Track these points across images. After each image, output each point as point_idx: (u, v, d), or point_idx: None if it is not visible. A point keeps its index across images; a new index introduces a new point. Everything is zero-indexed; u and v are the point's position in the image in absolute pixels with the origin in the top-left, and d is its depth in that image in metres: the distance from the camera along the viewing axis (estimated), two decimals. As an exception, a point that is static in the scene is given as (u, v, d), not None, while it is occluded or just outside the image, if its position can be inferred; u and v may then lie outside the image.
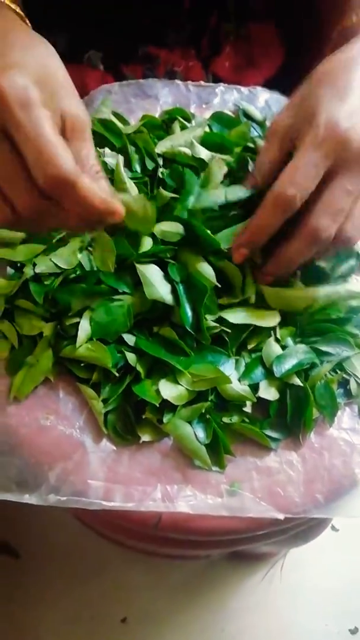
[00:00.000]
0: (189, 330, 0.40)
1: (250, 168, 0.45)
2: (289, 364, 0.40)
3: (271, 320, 0.41)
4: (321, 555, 0.85)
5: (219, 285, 0.41)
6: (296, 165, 0.36)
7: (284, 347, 0.41)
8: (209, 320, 0.40)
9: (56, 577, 0.83)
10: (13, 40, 0.32)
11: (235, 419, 0.40)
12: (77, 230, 0.40)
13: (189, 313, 0.40)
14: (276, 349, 0.41)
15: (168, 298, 0.40)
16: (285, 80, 0.56)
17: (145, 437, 0.39)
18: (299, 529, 0.47)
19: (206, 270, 0.41)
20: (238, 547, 0.48)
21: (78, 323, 0.40)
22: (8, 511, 0.84)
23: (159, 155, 0.48)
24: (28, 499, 0.37)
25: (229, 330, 0.41)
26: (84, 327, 0.40)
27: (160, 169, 0.47)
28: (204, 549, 0.50)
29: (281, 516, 0.37)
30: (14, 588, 0.83)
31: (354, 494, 0.39)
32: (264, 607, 0.83)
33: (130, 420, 0.39)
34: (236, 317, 0.41)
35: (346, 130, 0.36)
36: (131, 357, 0.40)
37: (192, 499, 0.38)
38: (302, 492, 0.38)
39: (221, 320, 0.41)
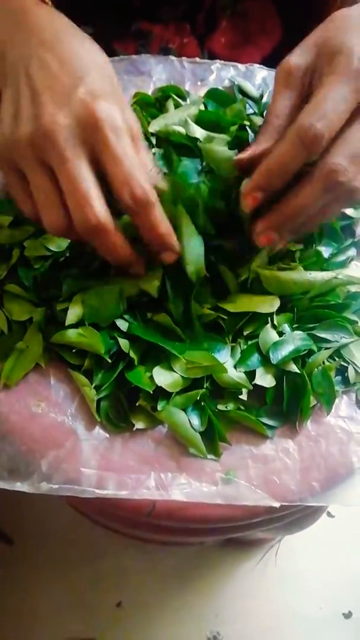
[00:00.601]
0: (178, 321, 0.39)
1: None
2: (285, 350, 0.39)
3: (269, 306, 0.40)
4: (316, 541, 0.86)
5: (208, 275, 0.39)
6: (325, 98, 0.32)
7: (280, 334, 0.40)
8: (205, 307, 0.39)
9: (50, 563, 0.84)
10: (81, 56, 0.34)
11: (230, 406, 0.39)
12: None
13: (179, 306, 0.39)
14: (273, 336, 0.40)
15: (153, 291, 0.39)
16: (283, 58, 0.54)
17: (138, 425, 0.38)
18: (295, 516, 0.46)
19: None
20: (232, 535, 0.48)
21: (67, 308, 0.39)
22: (1, 498, 0.84)
23: (152, 134, 0.46)
24: (20, 486, 0.37)
25: (225, 317, 0.40)
26: (74, 311, 0.39)
27: (154, 149, 0.45)
28: (199, 536, 0.50)
29: (277, 504, 0.37)
30: (7, 574, 0.83)
31: (351, 482, 0.39)
32: (258, 593, 0.83)
33: (124, 407, 0.39)
34: (234, 306, 0.40)
35: None
36: (124, 343, 0.39)
37: (186, 487, 0.37)
38: (298, 480, 0.38)
39: (218, 308, 0.40)
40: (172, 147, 0.44)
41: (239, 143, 0.44)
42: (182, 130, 0.46)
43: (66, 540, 0.85)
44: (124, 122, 0.33)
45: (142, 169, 0.33)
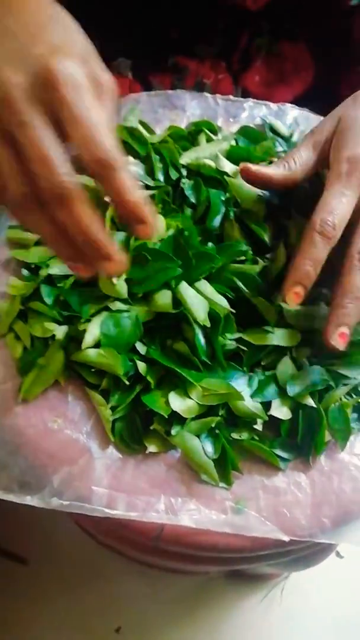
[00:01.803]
0: (203, 358, 0.40)
1: None
2: (303, 384, 0.39)
3: (290, 339, 0.41)
4: (324, 582, 0.83)
5: (233, 311, 0.40)
6: (328, 195, 0.38)
7: (299, 367, 0.41)
8: (228, 338, 0.40)
9: (53, 582, 0.83)
10: (41, 14, 0.32)
11: (245, 435, 0.39)
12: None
13: (202, 341, 0.40)
14: (291, 369, 0.40)
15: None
16: (315, 99, 0.56)
17: (151, 448, 0.38)
18: (303, 552, 0.46)
19: (219, 300, 0.41)
20: (239, 566, 0.47)
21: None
22: (11, 519, 0.84)
23: (182, 166, 0.48)
24: (30, 500, 0.37)
25: (245, 349, 0.40)
26: (92, 332, 0.40)
27: (183, 180, 0.47)
28: (204, 565, 0.50)
29: (286, 538, 0.36)
30: (10, 590, 0.82)
31: (362, 522, 0.38)
32: (260, 629, 0.81)
33: (138, 429, 0.39)
34: (257, 338, 0.41)
35: None
36: (142, 366, 0.39)
37: (195, 513, 0.37)
38: (309, 515, 0.38)
39: (239, 339, 0.41)
40: (201, 180, 0.46)
41: None
42: (212, 163, 0.47)
43: (71, 560, 0.84)
44: (87, 78, 0.30)
45: (105, 129, 0.30)
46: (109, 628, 0.80)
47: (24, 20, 0.31)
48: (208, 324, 0.39)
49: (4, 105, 0.29)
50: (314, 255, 0.37)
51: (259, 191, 0.44)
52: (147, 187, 0.47)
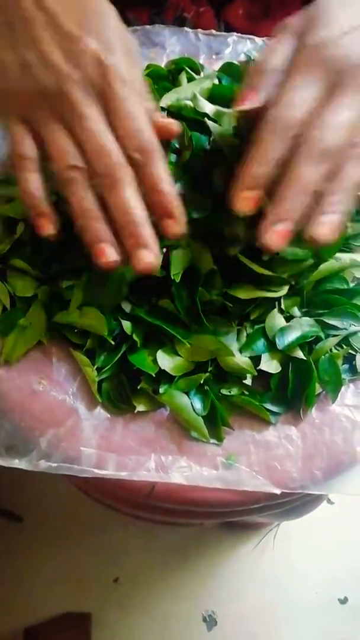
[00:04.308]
0: (182, 316, 0.38)
1: None
2: (292, 336, 0.38)
3: (278, 291, 0.39)
4: (314, 527, 0.86)
5: (215, 268, 0.38)
6: (286, 87, 0.32)
7: (288, 319, 0.39)
8: (213, 294, 0.39)
9: (51, 538, 0.85)
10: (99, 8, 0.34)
11: (234, 391, 0.38)
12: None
13: (183, 298, 0.38)
14: (280, 321, 0.39)
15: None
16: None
17: (140, 407, 0.38)
18: (295, 503, 0.46)
19: (205, 254, 0.38)
20: (232, 519, 0.48)
21: (73, 286, 0.38)
22: (7, 479, 0.85)
23: (163, 109, 0.45)
24: (18, 464, 0.36)
25: (231, 305, 0.39)
26: (79, 292, 0.38)
27: None
28: (197, 519, 0.50)
29: (277, 491, 0.36)
30: (10, 547, 0.84)
31: (353, 471, 0.38)
32: (254, 575, 0.84)
33: (125, 389, 0.38)
34: (243, 293, 0.39)
35: (335, 49, 0.32)
36: (127, 325, 0.38)
37: (186, 470, 0.37)
38: (300, 468, 0.37)
39: (226, 294, 0.39)
40: (184, 122, 0.43)
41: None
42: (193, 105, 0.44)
43: (68, 516, 0.86)
44: (132, 76, 0.33)
45: (147, 123, 0.33)
46: (107, 579, 0.83)
47: (77, 8, 0.33)
48: (177, 279, 0.38)
49: (63, 98, 0.32)
50: (267, 155, 0.32)
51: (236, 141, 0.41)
52: None
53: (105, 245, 0.32)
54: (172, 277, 0.38)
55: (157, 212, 0.33)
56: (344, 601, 0.83)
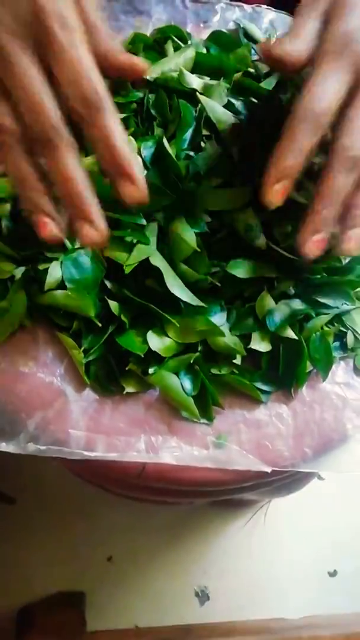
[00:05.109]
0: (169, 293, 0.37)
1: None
2: (282, 316, 0.38)
3: (269, 270, 0.39)
4: (305, 502, 0.87)
5: (199, 250, 0.37)
6: (315, 78, 0.31)
7: (279, 298, 0.39)
8: (202, 273, 0.38)
9: (45, 518, 0.85)
10: None
11: (224, 370, 0.38)
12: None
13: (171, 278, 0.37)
14: (269, 301, 0.38)
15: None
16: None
17: (129, 389, 0.37)
18: (286, 481, 0.46)
19: (188, 235, 0.37)
20: (223, 497, 0.48)
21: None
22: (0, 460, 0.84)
23: (148, 81, 0.43)
24: (5, 447, 0.36)
25: (219, 284, 0.38)
26: (53, 273, 0.37)
27: (148, 96, 0.42)
28: (188, 498, 0.50)
29: (268, 469, 0.36)
30: (3, 528, 0.84)
31: (343, 449, 0.38)
32: (246, 551, 0.85)
33: (113, 370, 0.37)
34: (241, 270, 0.38)
35: None
36: (114, 305, 0.37)
37: (177, 450, 0.37)
38: (291, 446, 0.37)
39: (218, 272, 0.38)
40: (168, 94, 0.41)
41: (240, 91, 0.41)
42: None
43: (60, 497, 0.86)
44: (78, 16, 0.29)
45: (92, 69, 0.28)
46: (101, 558, 0.84)
47: None
48: (128, 270, 0.36)
49: None
50: (298, 146, 0.31)
51: (231, 114, 0.40)
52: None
53: (46, 218, 0.30)
54: (125, 267, 0.36)
55: (110, 173, 0.30)
56: (333, 574, 0.85)
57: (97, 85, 0.28)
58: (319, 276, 0.39)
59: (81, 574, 0.82)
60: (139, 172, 0.30)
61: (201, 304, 0.37)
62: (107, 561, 0.84)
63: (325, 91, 0.31)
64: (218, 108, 0.40)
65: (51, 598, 0.80)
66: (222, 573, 0.84)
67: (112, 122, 0.29)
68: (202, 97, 0.40)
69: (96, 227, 0.30)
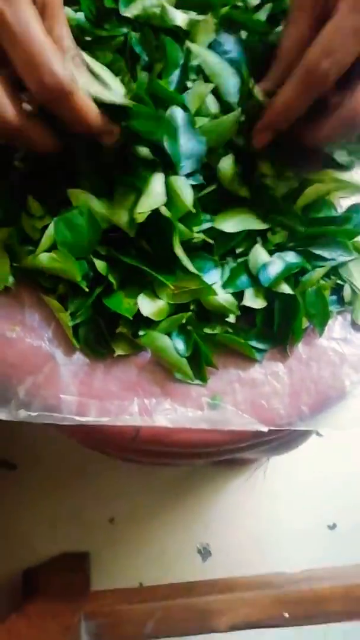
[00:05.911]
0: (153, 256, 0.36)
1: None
2: (275, 270, 0.36)
3: (262, 222, 0.37)
4: (304, 458, 0.88)
5: (194, 211, 0.35)
6: (332, 31, 0.28)
7: (273, 252, 0.37)
8: (195, 231, 0.36)
9: (43, 484, 0.86)
10: None
11: (218, 329, 0.36)
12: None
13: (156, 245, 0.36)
14: (263, 256, 0.37)
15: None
16: None
17: (119, 351, 0.36)
18: (283, 439, 0.46)
19: (185, 192, 0.35)
20: (220, 458, 0.48)
21: (45, 227, 0.35)
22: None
23: (129, 20, 0.39)
24: (-4, 414, 0.35)
25: (211, 241, 0.36)
26: (49, 234, 0.35)
27: (130, 33, 0.39)
28: (186, 460, 0.50)
29: (265, 428, 0.36)
30: (6, 492, 0.85)
31: (342, 406, 0.37)
32: (246, 507, 0.87)
33: (103, 333, 0.36)
34: (229, 225, 0.36)
35: None
36: (101, 265, 0.35)
37: (171, 412, 0.36)
38: (287, 404, 0.37)
39: (211, 228, 0.37)
40: (153, 31, 0.38)
41: (228, 26, 0.38)
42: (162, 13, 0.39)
43: (61, 461, 0.87)
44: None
45: (53, 52, 0.26)
46: (103, 519, 0.85)
47: None
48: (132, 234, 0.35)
49: None
50: (293, 103, 0.32)
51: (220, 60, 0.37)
52: (93, 41, 0.38)
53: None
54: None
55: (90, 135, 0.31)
56: (332, 527, 0.87)
57: (56, 67, 0.26)
58: (313, 229, 0.38)
59: (84, 536, 0.84)
60: (111, 123, 0.31)
61: (197, 272, 0.36)
62: (110, 522, 0.85)
63: (335, 48, 0.29)
64: (206, 53, 0.37)
65: (56, 559, 0.82)
66: (224, 530, 0.85)
67: (80, 104, 0.28)
68: (195, 48, 0.37)
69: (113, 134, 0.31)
